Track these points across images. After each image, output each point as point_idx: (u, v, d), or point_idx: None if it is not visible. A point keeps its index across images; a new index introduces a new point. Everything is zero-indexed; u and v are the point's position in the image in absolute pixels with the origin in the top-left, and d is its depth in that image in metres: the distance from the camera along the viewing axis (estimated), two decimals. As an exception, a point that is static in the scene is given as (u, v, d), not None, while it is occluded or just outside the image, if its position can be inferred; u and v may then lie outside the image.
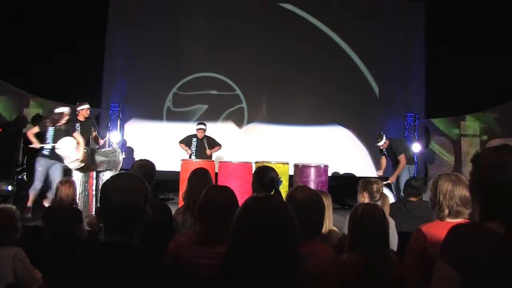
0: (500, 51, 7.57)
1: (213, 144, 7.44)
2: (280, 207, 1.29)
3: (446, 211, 2.12)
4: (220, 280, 1.26)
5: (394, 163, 6.83)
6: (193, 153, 7.23)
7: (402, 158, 6.61)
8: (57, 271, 1.39)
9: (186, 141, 7.36)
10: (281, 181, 3.14)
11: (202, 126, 7.35)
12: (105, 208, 1.44)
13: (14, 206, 2.76)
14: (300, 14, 9.51)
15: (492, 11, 7.96)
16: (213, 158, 7.36)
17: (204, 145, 7.32)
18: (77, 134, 5.77)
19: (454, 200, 2.10)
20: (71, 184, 3.73)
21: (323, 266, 1.85)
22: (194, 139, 7.32)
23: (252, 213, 1.26)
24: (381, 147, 6.87)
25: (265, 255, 1.17)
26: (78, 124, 6.28)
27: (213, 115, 9.20)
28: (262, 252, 1.17)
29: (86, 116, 6.39)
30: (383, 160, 7.09)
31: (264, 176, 3.09)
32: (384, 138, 6.80)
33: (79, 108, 6.35)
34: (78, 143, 5.57)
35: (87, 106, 6.36)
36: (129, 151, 8.77)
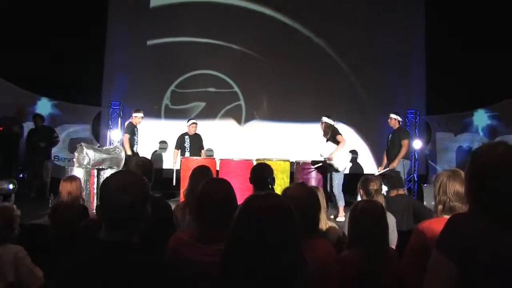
0: (501, 50, 7.55)
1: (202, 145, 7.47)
2: (280, 204, 1.28)
3: (440, 207, 2.10)
4: (219, 277, 1.26)
5: (391, 150, 6.72)
6: (187, 150, 7.19)
7: (406, 143, 6.53)
8: (58, 269, 1.40)
9: (179, 144, 7.28)
10: (273, 178, 3.15)
11: (196, 121, 7.41)
12: (103, 207, 1.45)
13: (14, 205, 2.77)
14: (299, 12, 9.48)
15: (493, 10, 7.94)
16: (214, 156, 7.36)
17: (198, 142, 7.31)
18: None
19: (447, 195, 2.08)
20: (74, 181, 3.62)
21: (323, 263, 1.85)
22: (186, 137, 7.28)
23: (253, 210, 1.26)
24: (390, 121, 6.85)
25: (265, 252, 1.18)
26: (136, 128, 7.15)
27: (211, 112, 9.20)
28: (261, 249, 1.18)
29: (139, 122, 7.22)
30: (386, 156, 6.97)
31: (255, 173, 3.12)
32: (399, 118, 6.84)
33: (134, 115, 7.20)
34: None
35: (141, 114, 7.20)
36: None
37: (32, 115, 7.56)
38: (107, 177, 1.52)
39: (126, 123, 7.49)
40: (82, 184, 5.77)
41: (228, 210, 1.94)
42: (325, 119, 6.54)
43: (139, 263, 1.38)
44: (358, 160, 9.23)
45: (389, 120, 6.88)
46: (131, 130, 7.07)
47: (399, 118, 6.86)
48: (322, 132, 6.55)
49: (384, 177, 3.73)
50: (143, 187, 1.48)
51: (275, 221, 1.22)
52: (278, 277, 1.17)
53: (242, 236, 1.22)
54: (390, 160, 6.66)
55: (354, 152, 9.14)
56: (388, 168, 6.54)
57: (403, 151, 6.51)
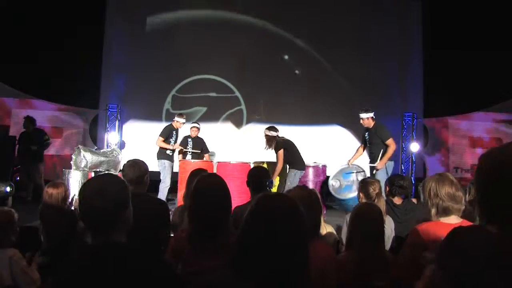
0: (498, 52, 7.58)
1: (205, 148, 7.36)
2: (292, 205, 1.28)
3: (433, 210, 2.11)
4: (228, 269, 1.25)
5: (373, 151, 6.02)
6: (189, 153, 7.15)
7: (391, 142, 5.87)
8: (54, 273, 1.40)
9: (182, 143, 7.19)
10: (272, 181, 3.15)
11: (197, 125, 7.27)
12: (80, 211, 1.46)
13: (12, 209, 2.76)
14: (296, 16, 9.50)
15: (490, 11, 7.97)
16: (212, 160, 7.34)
17: (200, 145, 7.29)
18: None
19: (439, 197, 2.10)
20: (56, 186, 3.52)
21: (323, 265, 1.85)
22: (189, 140, 7.21)
23: (265, 210, 1.26)
24: (363, 122, 6.11)
25: (275, 252, 1.18)
26: (174, 131, 6.94)
27: (212, 117, 9.21)
28: (272, 249, 1.18)
29: (179, 127, 7.03)
30: (360, 149, 6.36)
31: (252, 177, 3.12)
32: (372, 114, 6.05)
33: (175, 119, 6.99)
34: None
35: (182, 120, 6.99)
36: (127, 152, 8.76)
37: (23, 118, 7.49)
38: (85, 182, 1.54)
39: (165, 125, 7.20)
40: (79, 187, 5.80)
41: (222, 206, 1.96)
42: (266, 131, 6.13)
43: (128, 264, 1.38)
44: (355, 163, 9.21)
45: (361, 122, 6.14)
46: (167, 134, 6.84)
47: (372, 114, 6.05)
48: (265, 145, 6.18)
49: (393, 185, 3.60)
50: (117, 190, 1.47)
51: (287, 222, 1.22)
52: (285, 278, 1.17)
53: (253, 235, 1.21)
54: (373, 159, 6.05)
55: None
56: (375, 165, 5.96)
57: (390, 151, 5.87)
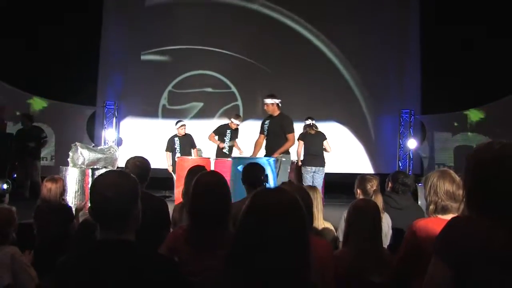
0: (497, 49, 7.59)
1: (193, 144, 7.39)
2: (291, 200, 1.23)
3: (432, 207, 2.11)
4: (225, 268, 1.23)
5: (272, 144, 5.46)
6: (177, 151, 7.12)
7: (292, 137, 5.41)
8: (53, 269, 1.39)
9: (170, 147, 7.22)
10: (267, 175, 3.16)
11: (184, 122, 7.30)
12: (93, 206, 1.45)
13: (14, 207, 2.75)
14: (294, 12, 9.48)
15: (490, 10, 7.97)
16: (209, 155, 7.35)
17: (189, 142, 7.27)
18: None
19: (438, 196, 2.09)
20: (55, 180, 3.53)
21: (322, 260, 1.85)
22: (176, 139, 7.21)
23: (260, 207, 1.21)
24: (267, 108, 5.54)
25: (273, 251, 1.14)
26: (229, 130, 7.18)
27: (208, 113, 9.20)
28: (270, 248, 1.14)
29: (234, 127, 7.25)
30: (260, 140, 5.72)
31: (247, 173, 3.12)
32: (278, 101, 5.51)
33: (232, 120, 7.23)
34: None
35: (237, 122, 7.23)
36: (125, 149, 8.74)
37: (20, 115, 7.45)
38: (96, 177, 1.54)
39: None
40: (77, 184, 5.79)
41: (221, 204, 1.96)
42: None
43: (132, 261, 1.38)
44: (353, 159, 9.24)
45: (265, 107, 5.56)
46: (220, 132, 7.19)
47: (277, 101, 5.49)
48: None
49: (396, 182, 3.52)
50: (131, 186, 1.47)
51: (286, 218, 1.17)
52: (285, 277, 1.14)
53: (251, 233, 1.17)
54: (269, 150, 5.45)
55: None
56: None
57: (288, 145, 5.37)
